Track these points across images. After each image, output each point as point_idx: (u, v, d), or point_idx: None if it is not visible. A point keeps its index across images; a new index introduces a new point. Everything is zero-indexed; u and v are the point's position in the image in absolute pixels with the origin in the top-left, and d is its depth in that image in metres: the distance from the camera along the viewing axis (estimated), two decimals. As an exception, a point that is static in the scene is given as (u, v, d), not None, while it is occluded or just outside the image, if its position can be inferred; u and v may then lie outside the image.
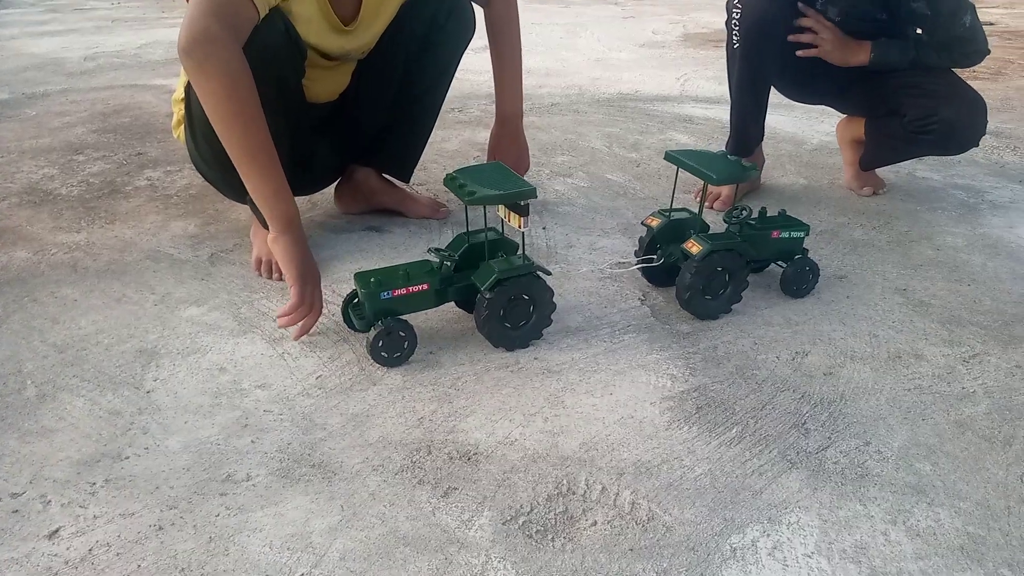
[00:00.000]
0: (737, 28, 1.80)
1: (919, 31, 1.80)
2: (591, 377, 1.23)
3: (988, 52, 1.77)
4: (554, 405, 1.16)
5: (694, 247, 1.35)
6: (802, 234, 1.48)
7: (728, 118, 1.97)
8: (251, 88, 1.25)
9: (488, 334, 1.28)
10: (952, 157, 2.24)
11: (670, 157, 1.40)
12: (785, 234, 1.46)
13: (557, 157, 2.28)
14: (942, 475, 1.03)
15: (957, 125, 1.74)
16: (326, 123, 1.67)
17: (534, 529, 0.93)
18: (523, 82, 1.80)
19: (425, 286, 1.26)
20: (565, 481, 1.01)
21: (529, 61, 3.57)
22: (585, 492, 0.99)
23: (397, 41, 1.62)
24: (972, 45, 1.75)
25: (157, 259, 1.59)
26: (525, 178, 1.86)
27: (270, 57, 1.27)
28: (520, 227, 1.22)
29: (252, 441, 1.08)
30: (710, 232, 1.41)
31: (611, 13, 5.30)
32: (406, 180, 1.84)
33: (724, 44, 1.89)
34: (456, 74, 1.77)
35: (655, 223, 1.45)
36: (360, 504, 0.97)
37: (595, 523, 0.94)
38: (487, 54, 1.77)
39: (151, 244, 1.66)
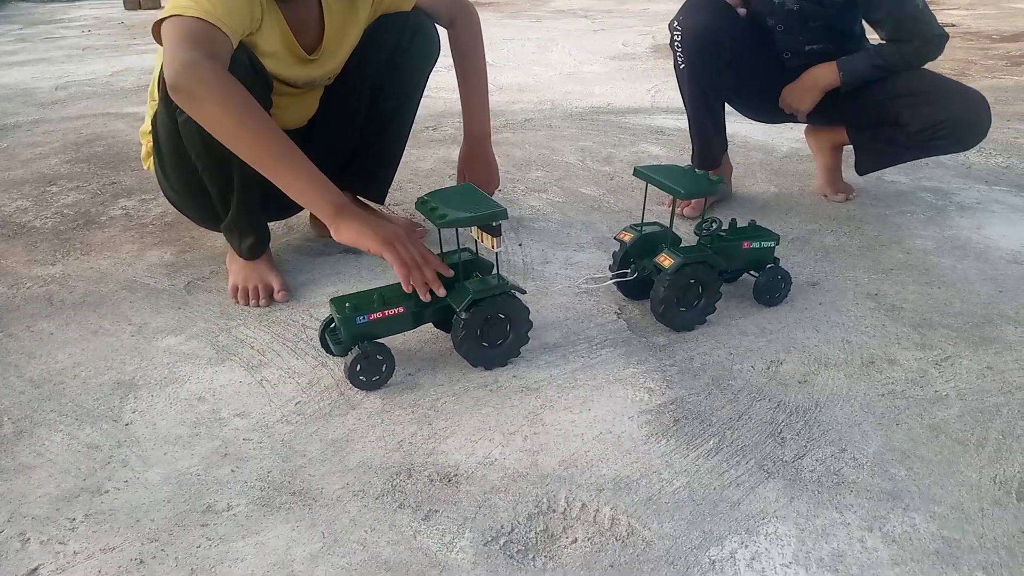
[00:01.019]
0: (680, 50, 1.83)
1: (875, 39, 1.82)
2: (569, 393, 1.24)
3: (947, 36, 1.77)
4: (533, 423, 1.17)
5: (666, 261, 1.37)
6: (772, 243, 1.50)
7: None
8: (247, 97, 1.24)
9: (466, 354, 1.29)
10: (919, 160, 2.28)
11: (639, 173, 1.42)
12: (756, 244, 1.48)
13: (531, 173, 2.30)
14: (917, 480, 1.05)
15: (966, 125, 1.75)
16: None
17: (515, 549, 0.94)
18: (492, 100, 1.82)
19: (401, 309, 1.26)
20: (545, 499, 1.02)
21: (502, 77, 3.60)
22: (565, 509, 1.00)
23: (362, 65, 1.64)
24: (929, 27, 1.75)
25: (133, 289, 1.59)
26: (496, 196, 1.88)
27: None
28: (493, 247, 1.23)
29: (232, 470, 1.08)
30: (682, 245, 1.43)
31: (581, 26, 5.35)
32: (380, 202, 1.85)
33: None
34: (428, 92, 1.79)
35: (628, 238, 1.46)
36: (341, 530, 0.97)
37: (575, 540, 0.95)
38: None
39: (127, 274, 1.66)
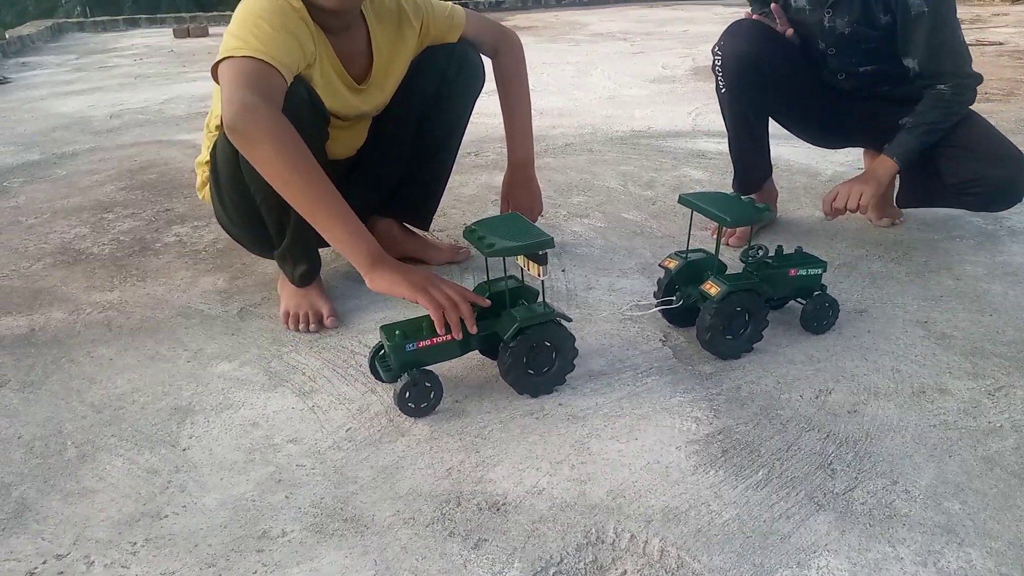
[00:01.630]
0: (721, 74, 1.85)
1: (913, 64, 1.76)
2: (616, 422, 1.25)
3: (980, 78, 1.74)
4: (580, 452, 1.17)
5: (712, 288, 1.37)
6: (819, 271, 1.50)
7: (736, 156, 2.00)
8: (299, 143, 1.29)
9: (512, 382, 1.30)
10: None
11: (684, 201, 1.43)
12: (803, 271, 1.48)
13: (573, 198, 2.31)
14: (972, 514, 1.03)
15: (1002, 187, 1.74)
16: (345, 178, 1.72)
17: (565, 579, 0.94)
18: (534, 126, 1.85)
19: (449, 337, 1.28)
20: (594, 530, 1.02)
21: (542, 102, 3.62)
22: (614, 540, 1.00)
23: (409, 96, 1.68)
24: (962, 63, 1.72)
25: (188, 315, 1.64)
26: (538, 221, 1.90)
27: (296, 124, 1.32)
28: (539, 276, 1.25)
29: (286, 496, 1.10)
30: (728, 272, 1.43)
31: (620, 49, 5.37)
32: (426, 228, 1.88)
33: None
34: (471, 118, 1.82)
35: (672, 265, 1.47)
36: (393, 558, 0.98)
37: (625, 572, 0.95)
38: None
39: (182, 300, 1.70)
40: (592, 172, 2.57)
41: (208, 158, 1.60)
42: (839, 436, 1.19)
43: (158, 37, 7.01)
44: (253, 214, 1.54)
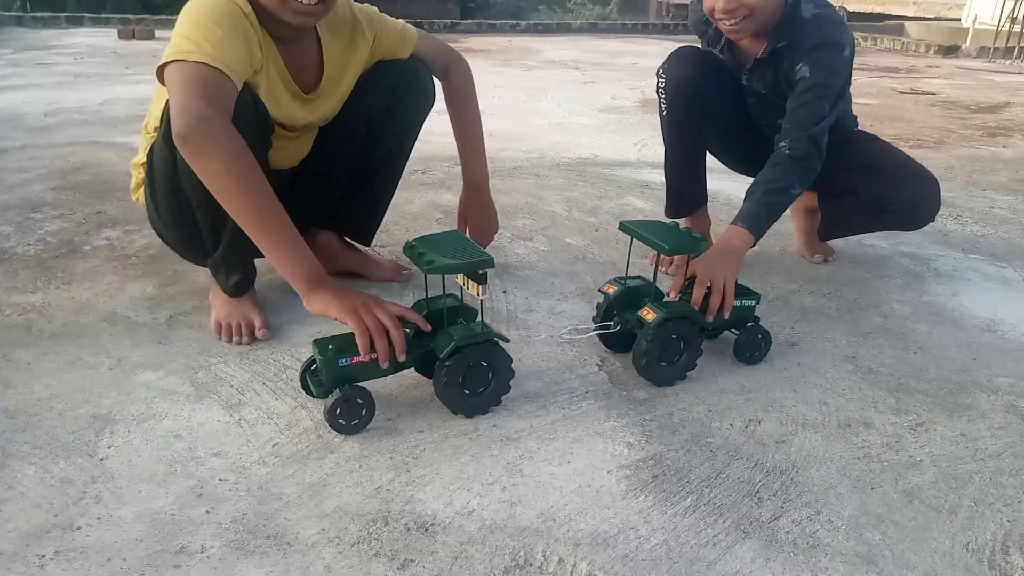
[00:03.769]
0: (664, 95, 1.90)
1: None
2: (549, 444, 1.24)
3: (817, 138, 1.67)
4: (512, 474, 1.17)
5: (649, 315, 1.39)
6: (753, 302, 1.53)
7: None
8: (251, 161, 1.27)
9: (447, 401, 1.29)
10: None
11: (625, 228, 1.44)
12: (737, 302, 1.50)
13: (518, 220, 2.32)
14: (891, 544, 1.06)
15: (914, 204, 1.81)
16: (287, 188, 1.69)
17: (491, 602, 0.93)
18: (486, 147, 1.85)
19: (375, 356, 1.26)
20: (522, 552, 1.01)
21: (492, 124, 3.63)
22: (542, 564, 1.00)
23: (357, 110, 1.66)
24: (808, 121, 1.67)
25: (114, 322, 1.58)
26: (494, 240, 1.89)
27: (240, 132, 1.29)
28: (478, 295, 1.25)
29: (207, 511, 1.06)
30: (665, 300, 1.45)
31: (572, 78, 5.44)
32: (367, 244, 1.86)
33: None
34: (419, 136, 1.81)
35: (612, 290, 1.48)
36: (316, 577, 0.96)
37: (552, 596, 0.95)
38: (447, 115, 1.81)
39: (108, 306, 1.65)
40: (538, 196, 2.58)
41: (144, 160, 1.56)
42: (767, 465, 1.21)
43: (102, 37, 6.83)
44: (188, 219, 1.50)
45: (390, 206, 1.87)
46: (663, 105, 1.91)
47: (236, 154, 1.26)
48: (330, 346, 1.24)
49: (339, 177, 1.73)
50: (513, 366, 1.32)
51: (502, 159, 3.07)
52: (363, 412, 1.25)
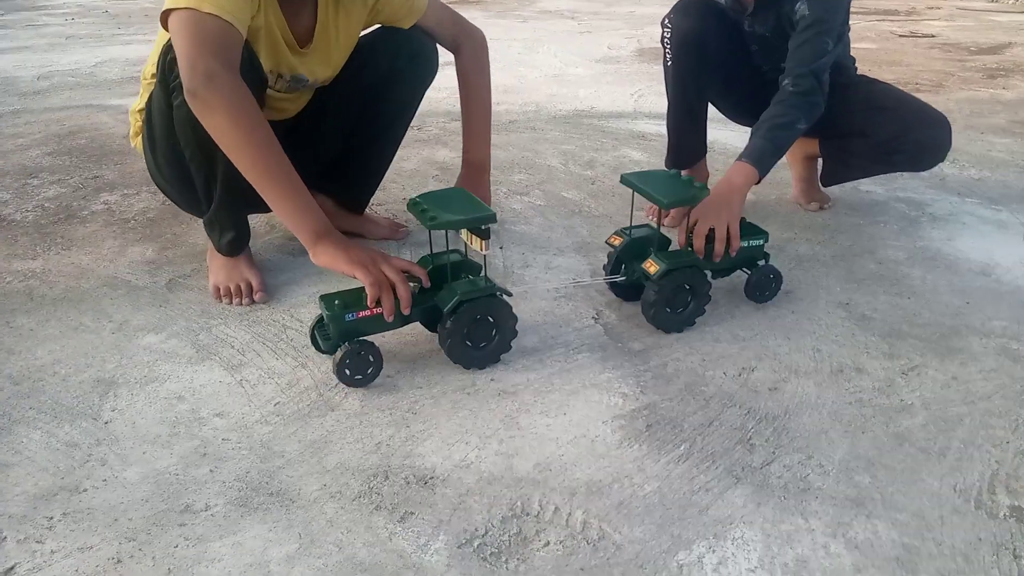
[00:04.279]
0: (669, 46, 1.88)
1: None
2: (546, 397, 1.26)
3: (820, 72, 1.67)
4: (509, 427, 1.19)
5: (652, 267, 1.40)
6: (761, 241, 1.53)
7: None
8: (257, 114, 1.28)
9: (450, 352, 1.31)
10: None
11: (625, 181, 1.45)
12: (744, 243, 1.51)
13: (514, 175, 2.32)
14: (880, 487, 1.08)
15: (927, 144, 1.80)
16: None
17: (488, 551, 0.96)
18: (491, 129, 1.78)
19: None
20: (519, 502, 1.04)
21: (487, 77, 3.60)
22: (539, 513, 1.02)
23: (357, 78, 1.65)
24: (811, 57, 1.67)
25: (114, 286, 1.59)
26: None
27: None
28: (482, 250, 1.26)
29: (210, 470, 1.09)
30: (671, 248, 1.46)
31: (568, 28, 5.37)
32: (359, 212, 1.84)
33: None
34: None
35: (618, 242, 1.49)
36: (318, 532, 0.99)
37: (548, 543, 0.97)
38: (447, 70, 1.78)
39: (108, 270, 1.66)
40: (534, 150, 2.57)
41: (143, 106, 1.56)
42: (759, 412, 1.23)
43: (91, -3, 6.74)
44: (185, 171, 1.50)
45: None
46: (668, 56, 1.89)
47: (243, 109, 1.26)
48: (336, 301, 1.26)
49: (334, 140, 1.72)
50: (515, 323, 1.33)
51: (498, 113, 3.04)
52: (371, 366, 1.27)
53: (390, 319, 1.27)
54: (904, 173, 2.35)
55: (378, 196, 2.05)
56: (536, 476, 1.09)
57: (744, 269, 1.55)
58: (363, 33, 1.65)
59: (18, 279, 1.62)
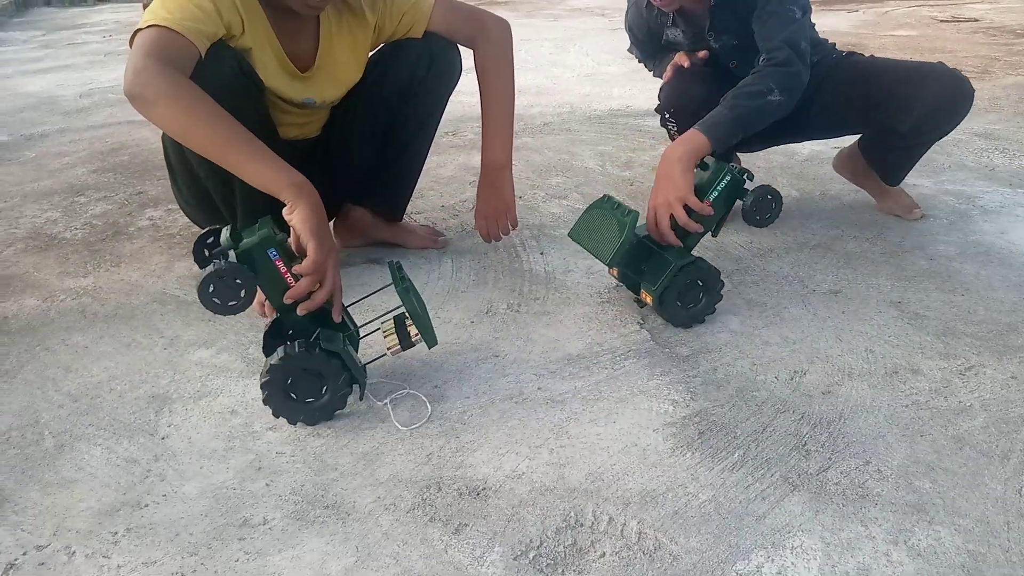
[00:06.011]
0: (672, 122, 1.89)
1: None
2: (594, 405, 1.26)
3: (794, 45, 1.60)
4: (559, 436, 1.19)
5: (647, 297, 1.46)
6: (728, 178, 1.44)
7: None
8: (197, 92, 1.24)
9: (267, 401, 1.20)
10: (942, 161, 2.29)
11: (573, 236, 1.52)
12: (712, 194, 1.45)
13: (551, 179, 2.31)
14: (941, 492, 1.06)
15: (951, 112, 1.72)
16: (308, 162, 1.64)
17: (544, 563, 0.96)
18: (513, 127, 1.70)
19: (298, 288, 1.20)
20: (573, 513, 1.03)
21: (520, 80, 3.56)
22: (593, 523, 1.02)
23: (378, 88, 1.64)
24: (780, 30, 1.61)
25: (164, 301, 1.62)
26: (517, 204, 1.79)
27: (226, 93, 1.29)
28: (389, 348, 1.28)
29: (267, 484, 1.10)
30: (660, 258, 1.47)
31: (598, 25, 5.35)
32: (397, 220, 1.84)
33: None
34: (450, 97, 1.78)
35: (616, 273, 1.57)
36: (374, 544, 0.99)
37: (603, 554, 0.97)
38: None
39: (157, 286, 1.69)
40: (570, 152, 2.57)
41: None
42: (813, 417, 1.21)
43: (127, 13, 6.87)
44: (204, 191, 1.52)
45: (423, 171, 1.87)
46: (674, 132, 1.90)
47: (176, 91, 1.23)
48: (278, 237, 1.18)
49: (364, 156, 1.72)
50: (552, 330, 1.33)
51: (532, 116, 3.04)
52: (242, 293, 1.15)
53: (288, 301, 1.20)
54: (951, 165, 2.30)
55: (416, 204, 2.06)
56: (588, 486, 1.08)
57: (740, 199, 1.48)
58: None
59: (71, 297, 1.66)
